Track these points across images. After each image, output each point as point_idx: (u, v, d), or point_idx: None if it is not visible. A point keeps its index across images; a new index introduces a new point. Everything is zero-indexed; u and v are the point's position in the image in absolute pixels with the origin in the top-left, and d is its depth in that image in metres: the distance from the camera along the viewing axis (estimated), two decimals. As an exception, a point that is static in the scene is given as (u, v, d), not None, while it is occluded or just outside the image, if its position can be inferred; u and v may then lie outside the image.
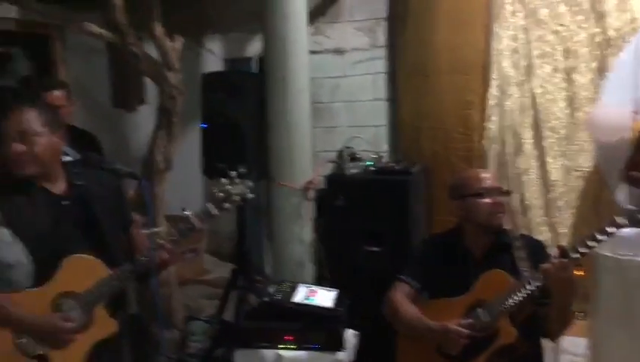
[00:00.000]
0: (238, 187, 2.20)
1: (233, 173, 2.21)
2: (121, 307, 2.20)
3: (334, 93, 4.89)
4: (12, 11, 4.99)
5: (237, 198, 2.21)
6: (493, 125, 3.64)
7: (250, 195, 2.24)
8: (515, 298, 2.26)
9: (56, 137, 2.08)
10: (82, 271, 2.05)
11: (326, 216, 3.40)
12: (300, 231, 3.33)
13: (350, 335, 3.00)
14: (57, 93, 3.08)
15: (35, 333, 1.99)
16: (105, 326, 2.09)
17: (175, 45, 3.61)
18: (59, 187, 2.09)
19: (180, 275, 5.04)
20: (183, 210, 2.19)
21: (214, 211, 2.18)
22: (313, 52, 4.93)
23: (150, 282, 2.16)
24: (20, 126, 1.99)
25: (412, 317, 2.46)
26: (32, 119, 2.01)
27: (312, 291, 3.06)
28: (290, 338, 2.85)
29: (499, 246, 2.47)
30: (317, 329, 2.85)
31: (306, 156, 3.33)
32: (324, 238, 3.39)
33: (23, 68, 3.51)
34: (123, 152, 4.76)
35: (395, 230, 3.26)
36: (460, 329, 2.31)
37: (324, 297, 3.01)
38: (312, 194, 3.36)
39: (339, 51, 4.87)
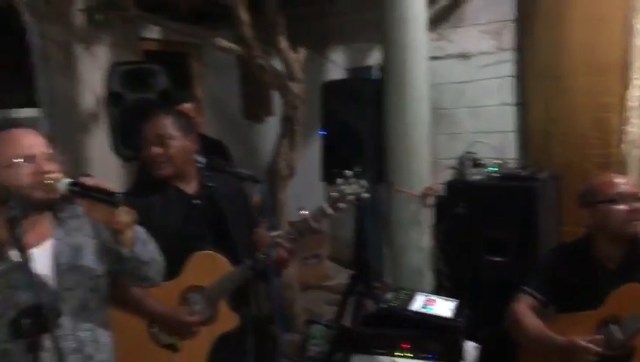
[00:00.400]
0: (352, 186, 2.22)
1: (348, 173, 2.23)
2: (244, 305, 2.31)
3: (458, 98, 4.78)
4: (155, 32, 5.48)
5: (351, 198, 2.23)
6: (633, 128, 3.37)
7: (366, 195, 2.24)
8: None
9: (189, 141, 2.24)
10: (208, 266, 2.18)
11: (446, 224, 3.32)
12: (419, 239, 3.28)
13: (470, 348, 2.88)
14: (188, 106, 3.31)
15: (164, 324, 2.14)
16: (227, 320, 2.21)
17: (298, 57, 3.74)
18: (191, 187, 2.26)
19: (303, 281, 5.19)
20: (300, 209, 2.25)
21: (329, 210, 2.21)
22: (435, 58, 4.87)
23: (271, 283, 2.23)
24: (158, 130, 2.18)
25: (536, 330, 2.33)
26: (167, 124, 2.20)
27: (431, 300, 2.98)
28: (407, 346, 2.79)
29: (634, 257, 2.27)
30: (435, 338, 2.77)
31: (424, 162, 3.29)
32: (443, 246, 3.32)
33: (162, 82, 3.81)
34: (251, 161, 4.99)
35: (519, 239, 3.10)
36: (590, 346, 2.15)
37: (443, 307, 2.92)
38: (431, 200, 3.30)
39: (463, 56, 4.77)
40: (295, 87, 3.63)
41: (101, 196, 1.52)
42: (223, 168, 2.32)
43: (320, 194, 4.27)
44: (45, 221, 1.64)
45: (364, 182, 2.25)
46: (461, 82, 4.78)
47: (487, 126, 4.62)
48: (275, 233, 2.27)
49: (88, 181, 1.54)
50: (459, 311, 2.90)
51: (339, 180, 2.24)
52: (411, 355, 2.78)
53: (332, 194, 2.23)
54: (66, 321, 1.59)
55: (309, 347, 3.55)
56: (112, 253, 1.68)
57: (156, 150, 2.17)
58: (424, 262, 3.34)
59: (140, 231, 1.71)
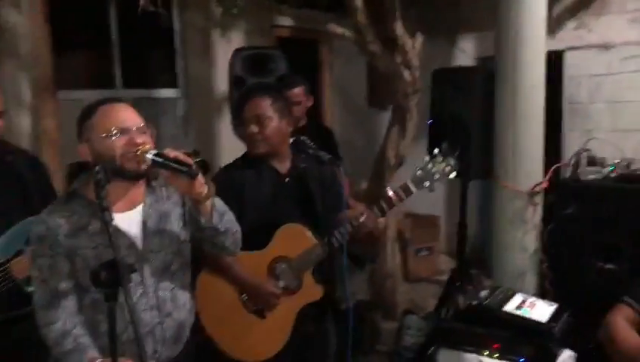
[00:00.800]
0: (439, 165, 2.18)
1: (436, 151, 2.19)
2: (329, 284, 2.36)
3: (595, 92, 4.44)
4: (288, 19, 5.69)
5: (438, 177, 2.18)
6: None
7: (452, 175, 2.19)
8: None
9: (285, 123, 2.34)
10: (294, 239, 2.28)
11: (554, 225, 3.11)
12: (523, 238, 3.10)
13: (566, 356, 2.70)
14: (297, 91, 3.42)
15: (251, 292, 2.27)
16: (312, 291, 2.29)
17: (415, 44, 3.69)
18: (284, 166, 2.36)
19: (414, 273, 5.15)
20: (385, 187, 2.24)
21: (413, 188, 2.19)
22: (573, 48, 4.55)
23: (340, 259, 2.27)
24: (256, 111, 2.30)
25: (633, 347, 2.12)
26: (265, 106, 2.31)
27: (529, 302, 2.84)
28: (496, 346, 2.69)
29: None
30: (526, 342, 2.64)
31: (534, 158, 3.10)
32: (550, 248, 3.11)
33: (281, 67, 3.96)
34: (373, 148, 4.98)
35: (635, 247, 2.82)
36: None
37: (541, 310, 2.77)
38: (539, 199, 3.11)
39: (604, 46, 4.41)
40: (408, 75, 3.59)
41: (180, 167, 1.64)
42: (304, 150, 2.38)
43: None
44: (139, 188, 1.80)
45: (452, 161, 2.19)
46: (600, 75, 4.43)
47: (626, 123, 4.24)
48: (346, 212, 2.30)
49: (170, 153, 1.66)
50: (557, 316, 2.73)
51: (426, 158, 2.20)
52: (498, 356, 2.67)
53: (417, 172, 2.20)
54: (148, 280, 1.75)
55: (404, 337, 3.53)
56: (194, 221, 1.82)
57: (253, 129, 2.29)
58: (527, 263, 3.17)
59: (219, 203, 1.82)
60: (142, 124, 1.75)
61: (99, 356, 1.64)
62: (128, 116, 1.74)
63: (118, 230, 1.69)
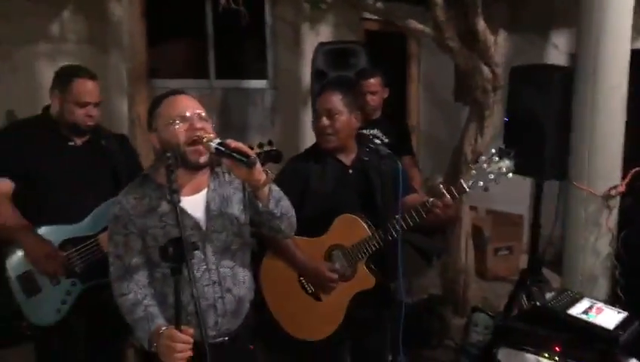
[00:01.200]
0: (495, 165, 2.18)
1: (493, 151, 2.20)
2: (386, 274, 2.45)
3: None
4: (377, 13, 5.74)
5: (492, 177, 2.19)
6: None
7: (509, 175, 2.18)
8: None
9: (354, 117, 2.44)
10: (351, 228, 2.38)
11: (630, 230, 2.98)
12: (596, 242, 3.00)
13: (634, 367, 2.62)
14: (373, 80, 3.49)
15: (309, 276, 2.41)
16: (364, 280, 2.38)
17: (497, 40, 3.65)
18: (348, 159, 2.46)
19: (492, 272, 5.08)
20: (440, 183, 2.27)
21: (467, 187, 2.22)
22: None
23: (397, 250, 2.32)
24: (327, 105, 2.41)
25: None
26: (336, 100, 2.41)
27: (596, 308, 2.76)
28: (558, 348, 2.65)
29: None
30: (589, 347, 2.59)
31: (613, 160, 2.97)
32: (623, 254, 2.99)
33: (362, 61, 4.05)
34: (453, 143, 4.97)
35: None
36: None
37: (608, 317, 2.68)
38: (615, 202, 3.00)
39: None
40: (486, 71, 3.56)
41: (239, 157, 1.77)
42: (366, 143, 2.45)
43: (504, 182, 4.15)
44: (204, 174, 1.96)
45: (508, 162, 2.18)
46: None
47: None
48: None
49: (231, 143, 1.79)
50: (625, 325, 2.64)
51: (482, 158, 2.22)
52: (558, 359, 2.64)
53: (472, 171, 2.22)
54: (210, 258, 1.92)
55: (471, 334, 3.53)
56: (253, 206, 1.96)
57: (324, 122, 2.41)
58: (599, 267, 3.07)
59: (276, 190, 1.95)
60: (201, 112, 1.89)
61: (166, 324, 1.81)
62: (189, 105, 1.89)
63: (184, 211, 1.86)
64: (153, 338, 1.78)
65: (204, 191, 1.95)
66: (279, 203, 1.95)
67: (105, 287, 2.08)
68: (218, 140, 1.82)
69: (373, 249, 2.34)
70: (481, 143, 3.76)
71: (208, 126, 1.88)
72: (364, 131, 3.59)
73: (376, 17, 5.63)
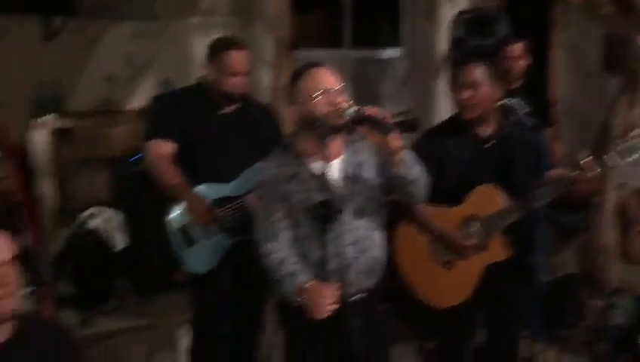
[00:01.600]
0: None
1: None
2: (523, 248, 2.42)
3: None
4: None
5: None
6: None
7: None
8: None
9: (496, 89, 2.41)
10: (488, 199, 2.37)
11: None
12: None
13: None
14: (517, 47, 3.38)
15: (443, 243, 2.44)
16: (499, 251, 2.38)
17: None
18: (487, 130, 2.44)
19: (637, 255, 4.75)
20: (583, 157, 2.18)
21: (613, 161, 2.12)
22: None
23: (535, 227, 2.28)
24: (470, 77, 2.40)
25: None
26: (479, 72, 2.40)
27: None
28: None
29: None
30: None
31: None
32: None
33: (503, 29, 3.90)
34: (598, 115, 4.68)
35: None
36: None
37: None
38: None
39: None
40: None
41: (375, 123, 1.86)
42: (509, 114, 2.40)
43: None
44: (338, 142, 2.05)
45: None
46: None
47: None
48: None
49: (368, 110, 1.89)
50: None
51: (635, 132, 2.10)
52: None
53: (622, 144, 2.12)
54: (347, 220, 2.02)
55: (611, 316, 3.38)
56: (386, 171, 2.03)
57: (466, 94, 2.39)
58: None
59: (409, 156, 2.00)
60: (340, 86, 1.99)
61: (310, 280, 1.95)
62: (329, 79, 1.98)
63: (323, 178, 1.98)
64: (300, 292, 1.92)
65: (341, 158, 2.05)
66: (412, 168, 2.01)
67: (249, 244, 2.25)
68: (355, 107, 1.91)
69: (511, 222, 2.32)
70: (632, 117, 3.51)
71: (347, 98, 1.97)
72: (506, 101, 3.50)
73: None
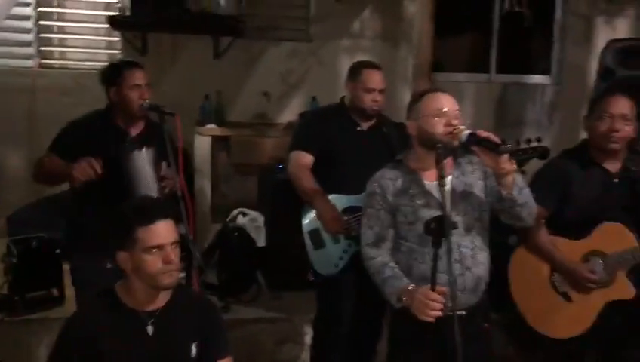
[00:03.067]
0: None
1: None
2: None
3: None
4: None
5: None
6: None
7: None
8: None
9: (636, 126, 2.39)
10: (614, 237, 2.36)
11: None
12: None
13: None
14: None
15: (565, 274, 2.45)
16: (622, 289, 2.36)
17: None
18: (615, 166, 2.43)
19: None
20: None
21: None
22: None
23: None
24: (624, 110, 2.38)
25: None
26: (631, 106, 2.39)
27: None
28: None
29: None
30: None
31: None
32: None
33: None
34: None
35: None
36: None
37: None
38: None
39: None
40: None
41: (490, 145, 1.94)
42: (638, 151, 2.34)
43: None
44: (448, 163, 2.15)
45: None
46: None
47: None
48: None
49: (482, 133, 1.98)
50: None
51: None
52: None
53: None
54: (453, 238, 2.05)
55: None
56: (494, 193, 2.10)
57: (619, 127, 2.35)
58: None
59: (519, 178, 2.06)
60: (457, 110, 2.11)
61: (412, 284, 2.05)
62: (447, 103, 2.11)
63: (432, 195, 2.10)
64: (403, 294, 2.04)
65: (449, 178, 2.15)
66: (522, 191, 2.07)
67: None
68: (469, 131, 2.02)
69: (637, 261, 2.29)
70: None
71: (461, 122, 2.09)
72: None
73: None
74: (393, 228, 2.19)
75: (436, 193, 2.10)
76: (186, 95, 4.47)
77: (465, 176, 2.18)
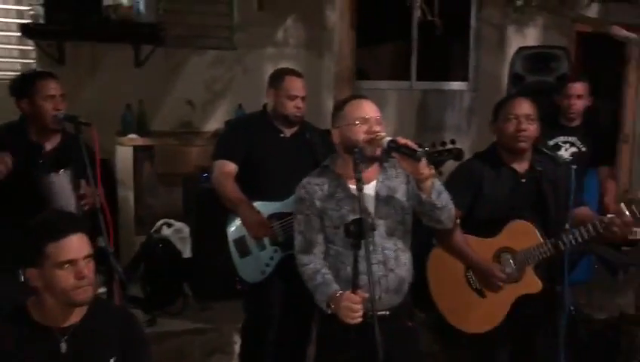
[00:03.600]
0: None
1: None
2: (555, 282, 2.49)
3: None
4: (592, 13, 5.46)
5: None
6: None
7: None
8: None
9: (537, 125, 2.52)
10: (522, 234, 2.48)
11: None
12: None
13: None
14: (579, 86, 3.43)
15: (477, 272, 2.56)
16: (531, 283, 2.47)
17: None
18: (522, 167, 2.55)
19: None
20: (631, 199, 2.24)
21: None
22: None
23: (564, 259, 2.34)
24: (528, 110, 2.48)
25: None
26: (532, 107, 2.50)
27: None
28: None
29: None
30: None
31: None
32: None
33: (563, 67, 3.97)
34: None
35: None
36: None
37: None
38: None
39: None
40: None
41: (407, 152, 2.01)
42: (543, 151, 2.47)
43: None
44: (374, 167, 2.23)
45: None
46: None
47: None
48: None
49: (400, 140, 2.04)
50: None
51: None
52: None
53: None
54: (377, 240, 2.16)
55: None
56: (416, 196, 2.17)
57: (525, 126, 2.45)
58: None
59: (438, 183, 2.15)
60: (379, 116, 2.18)
61: (340, 289, 2.10)
62: (369, 109, 2.18)
63: (358, 198, 2.11)
64: (331, 301, 2.09)
65: (374, 183, 2.22)
66: (440, 195, 2.15)
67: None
68: (390, 138, 2.09)
69: (543, 256, 2.42)
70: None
71: (383, 128, 2.16)
72: (562, 138, 3.56)
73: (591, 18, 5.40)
74: (323, 233, 2.22)
75: (365, 198, 2.13)
76: (107, 105, 4.36)
77: (389, 181, 2.24)
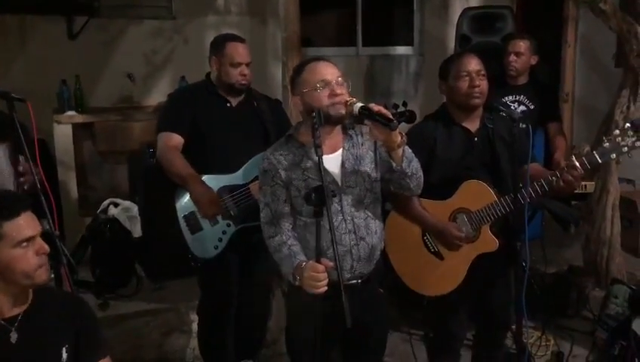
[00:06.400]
0: (629, 139, 2.15)
1: (627, 125, 2.16)
2: (513, 239, 2.51)
3: None
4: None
5: (625, 150, 2.16)
6: None
7: None
8: None
9: (486, 81, 2.50)
10: (477, 194, 2.47)
11: None
12: None
13: None
14: (520, 43, 3.46)
15: (435, 234, 2.55)
16: (488, 242, 2.48)
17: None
18: (474, 126, 2.54)
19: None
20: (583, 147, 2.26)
21: (599, 159, 2.23)
22: None
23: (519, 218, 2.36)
24: (477, 66, 2.43)
25: None
26: (481, 63, 2.45)
27: None
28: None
29: None
30: None
31: None
32: None
33: (508, 26, 3.99)
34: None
35: None
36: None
37: None
38: None
39: None
40: (643, 34, 3.35)
41: (381, 119, 1.93)
42: (497, 108, 2.46)
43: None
44: (338, 135, 2.16)
45: None
46: None
47: None
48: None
49: (374, 107, 1.96)
50: None
51: (615, 131, 2.19)
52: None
53: (604, 143, 2.20)
54: (346, 209, 2.12)
55: (610, 305, 3.44)
56: (385, 165, 2.13)
57: (478, 82, 2.41)
58: None
59: (408, 150, 2.09)
60: (340, 77, 2.08)
61: (307, 260, 2.03)
62: (329, 71, 2.08)
63: (318, 164, 2.03)
64: (297, 272, 2.02)
65: (340, 151, 2.15)
66: (411, 163, 2.10)
67: (255, 230, 2.37)
68: (361, 103, 2.00)
69: (499, 214, 2.42)
70: (634, 111, 3.56)
71: (346, 90, 2.07)
72: (510, 97, 3.59)
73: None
74: (289, 203, 2.15)
75: (329, 167, 2.08)
76: (40, 81, 4.12)
77: (355, 149, 2.18)
